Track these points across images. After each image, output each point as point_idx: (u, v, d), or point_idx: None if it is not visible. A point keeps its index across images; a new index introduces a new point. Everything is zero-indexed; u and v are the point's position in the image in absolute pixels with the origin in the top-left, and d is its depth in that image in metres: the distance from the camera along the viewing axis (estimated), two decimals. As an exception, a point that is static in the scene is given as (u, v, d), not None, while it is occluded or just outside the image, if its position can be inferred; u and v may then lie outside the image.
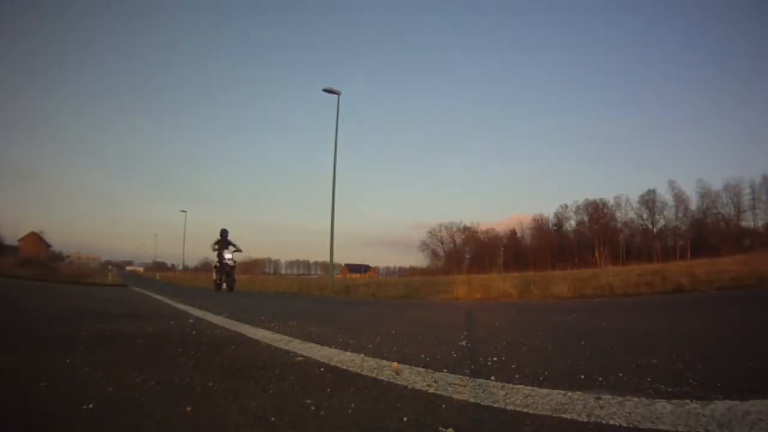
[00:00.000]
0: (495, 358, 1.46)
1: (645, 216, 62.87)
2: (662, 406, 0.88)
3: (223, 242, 10.75)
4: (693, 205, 59.34)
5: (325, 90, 15.16)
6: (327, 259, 15.42)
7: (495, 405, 0.97)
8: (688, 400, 0.89)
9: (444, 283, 9.11)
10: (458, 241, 77.40)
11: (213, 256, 11.40)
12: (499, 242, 72.99)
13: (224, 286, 10.42)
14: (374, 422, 0.89)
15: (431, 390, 1.11)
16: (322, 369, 1.40)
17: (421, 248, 77.39)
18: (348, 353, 1.66)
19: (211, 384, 1.19)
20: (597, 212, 65.73)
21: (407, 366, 1.39)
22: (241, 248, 10.91)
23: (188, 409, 0.98)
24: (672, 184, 60.56)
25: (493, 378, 1.19)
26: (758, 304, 3.03)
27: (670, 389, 0.99)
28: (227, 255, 10.32)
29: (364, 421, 0.89)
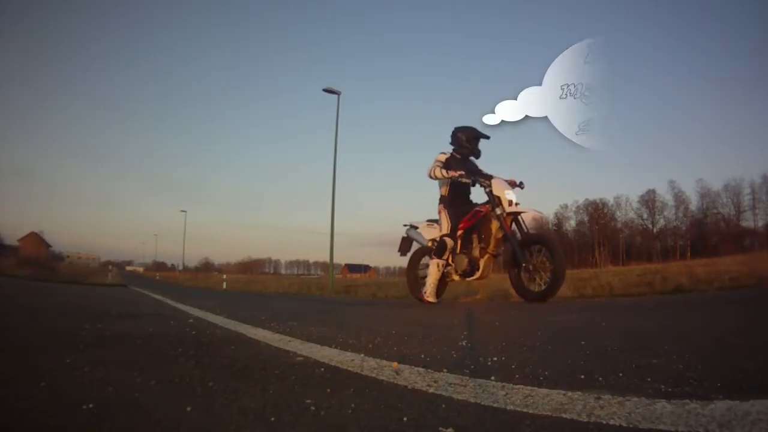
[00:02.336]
0: (495, 358, 1.45)
1: (645, 216, 62.94)
2: (662, 406, 0.88)
3: (470, 165, 4.57)
4: (693, 205, 59.38)
5: (325, 90, 15.21)
6: (327, 259, 15.44)
7: (495, 405, 0.96)
8: (688, 400, 0.89)
9: (444, 283, 9.08)
10: (458, 241, 77.25)
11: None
12: (499, 242, 72.78)
13: (540, 286, 3.91)
14: (374, 422, 0.89)
15: (431, 390, 1.11)
16: (322, 369, 1.40)
17: (421, 248, 77.17)
18: (348, 353, 1.65)
19: (211, 384, 1.19)
20: (597, 212, 65.75)
21: (407, 366, 1.39)
22: (521, 181, 4.43)
23: (188, 409, 0.98)
24: (672, 184, 60.62)
25: (493, 378, 1.19)
26: (758, 304, 3.03)
27: (670, 389, 0.99)
28: (509, 194, 4.14)
29: (364, 421, 0.89)
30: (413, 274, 5.04)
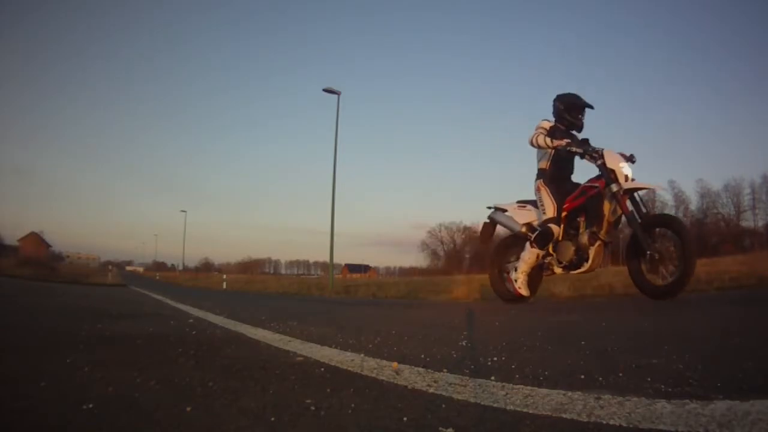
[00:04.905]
0: (495, 358, 1.46)
1: (645, 216, 62.71)
2: (662, 406, 0.88)
3: (574, 139, 3.86)
4: (693, 205, 59.24)
5: (325, 90, 15.21)
6: (327, 259, 15.45)
7: (495, 405, 0.97)
8: (688, 400, 0.89)
9: (444, 283, 9.11)
10: (458, 241, 77.42)
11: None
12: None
13: (664, 279, 3.21)
14: (374, 422, 0.89)
15: (431, 390, 1.11)
16: (322, 369, 1.40)
17: (421, 248, 77.44)
18: (348, 353, 1.66)
19: (211, 384, 1.20)
20: (597, 212, 65.52)
21: (407, 366, 1.39)
22: (631, 154, 3.66)
23: (188, 409, 0.98)
24: (672, 184, 60.48)
25: (493, 378, 1.19)
26: (758, 304, 3.03)
27: (670, 389, 0.99)
28: (625, 168, 3.49)
29: (364, 421, 0.89)
30: (497, 269, 4.19)
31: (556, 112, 3.95)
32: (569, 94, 3.94)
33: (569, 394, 1.00)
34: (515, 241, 4.12)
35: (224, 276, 27.55)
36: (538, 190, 3.85)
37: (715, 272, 5.97)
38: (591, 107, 3.91)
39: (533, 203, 4.01)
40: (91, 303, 5.10)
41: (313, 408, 0.98)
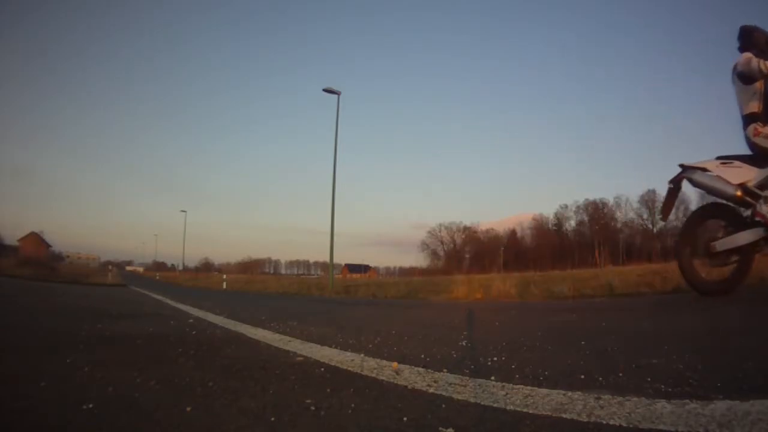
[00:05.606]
0: (495, 358, 1.46)
1: (645, 216, 62.96)
2: (662, 406, 0.88)
3: None
4: (693, 205, 59.19)
5: (325, 90, 15.21)
6: (327, 259, 15.45)
7: (495, 405, 0.97)
8: (688, 400, 0.89)
9: (444, 283, 9.11)
10: (458, 241, 77.56)
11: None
12: (499, 242, 73.16)
13: None
14: (374, 422, 0.89)
15: (431, 390, 1.11)
16: (322, 369, 1.40)
17: (421, 248, 77.51)
18: (348, 353, 1.66)
19: (211, 384, 1.20)
20: (597, 212, 65.87)
21: (407, 366, 1.39)
22: None
23: (188, 409, 0.98)
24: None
25: (493, 378, 1.19)
26: (758, 304, 3.03)
27: (670, 389, 0.99)
28: None
29: (364, 421, 0.89)
30: (690, 249, 3.24)
31: (753, 43, 3.02)
32: (755, 26, 3.09)
33: (569, 394, 1.00)
34: (720, 212, 3.11)
35: (224, 276, 27.55)
36: (755, 134, 2.94)
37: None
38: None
39: (741, 158, 3.07)
40: (91, 303, 5.10)
41: (313, 408, 0.98)
